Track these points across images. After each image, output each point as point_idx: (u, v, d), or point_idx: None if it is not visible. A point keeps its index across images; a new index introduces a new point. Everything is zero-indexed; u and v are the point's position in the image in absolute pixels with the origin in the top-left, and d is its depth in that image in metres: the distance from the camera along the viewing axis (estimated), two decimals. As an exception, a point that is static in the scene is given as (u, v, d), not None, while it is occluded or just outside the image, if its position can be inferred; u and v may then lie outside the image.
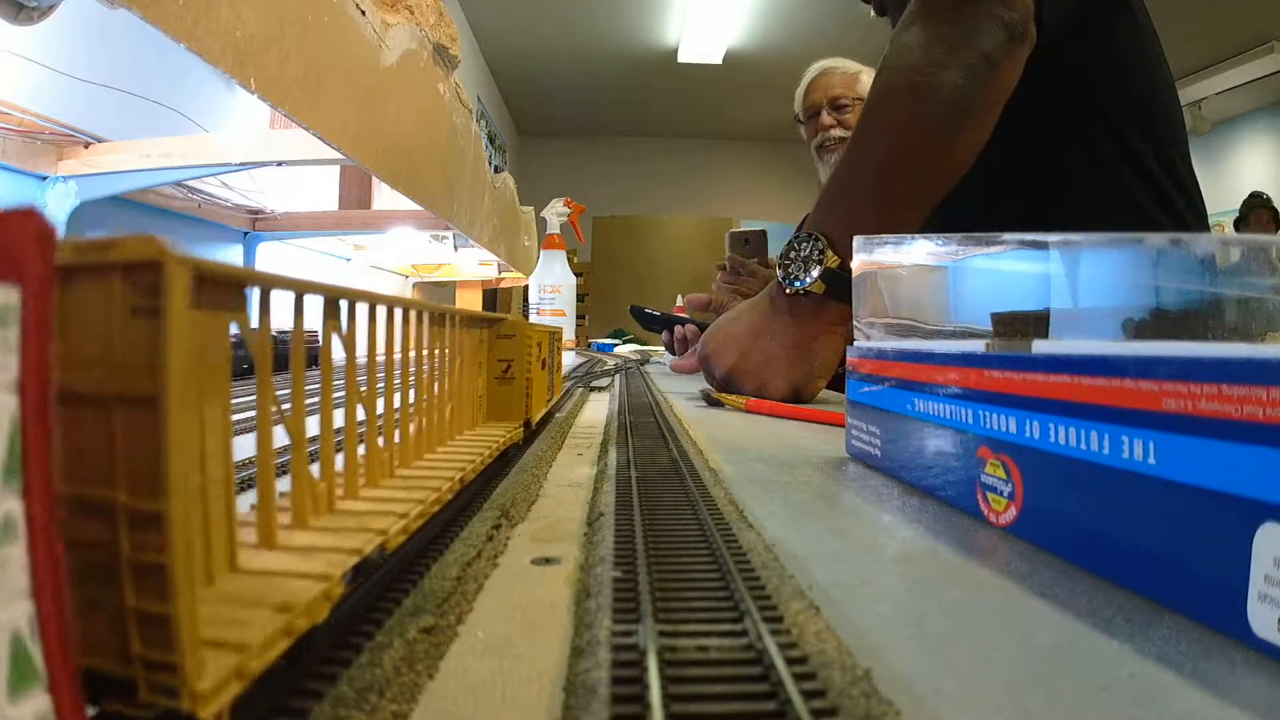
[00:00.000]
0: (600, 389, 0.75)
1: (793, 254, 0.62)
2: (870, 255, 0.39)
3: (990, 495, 0.27)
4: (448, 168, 1.24)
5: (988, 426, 0.27)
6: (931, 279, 0.38)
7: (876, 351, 0.35)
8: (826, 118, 1.57)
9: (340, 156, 0.87)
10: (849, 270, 0.62)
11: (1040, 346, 0.24)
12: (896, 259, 0.38)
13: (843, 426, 0.50)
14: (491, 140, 4.72)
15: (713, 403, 0.63)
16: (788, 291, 0.62)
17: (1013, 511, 0.26)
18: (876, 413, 0.36)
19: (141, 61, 1.25)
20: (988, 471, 0.27)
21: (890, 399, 0.34)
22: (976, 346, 0.28)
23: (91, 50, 1.17)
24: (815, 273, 0.61)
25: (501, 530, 0.23)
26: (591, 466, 0.34)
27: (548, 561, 0.21)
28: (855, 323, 0.39)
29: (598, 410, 0.57)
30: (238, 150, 0.98)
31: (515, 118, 5.36)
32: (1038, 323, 0.35)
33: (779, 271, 0.63)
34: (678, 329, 1.15)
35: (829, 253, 0.60)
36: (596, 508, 0.25)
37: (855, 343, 0.39)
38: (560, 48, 4.19)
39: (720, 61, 4.24)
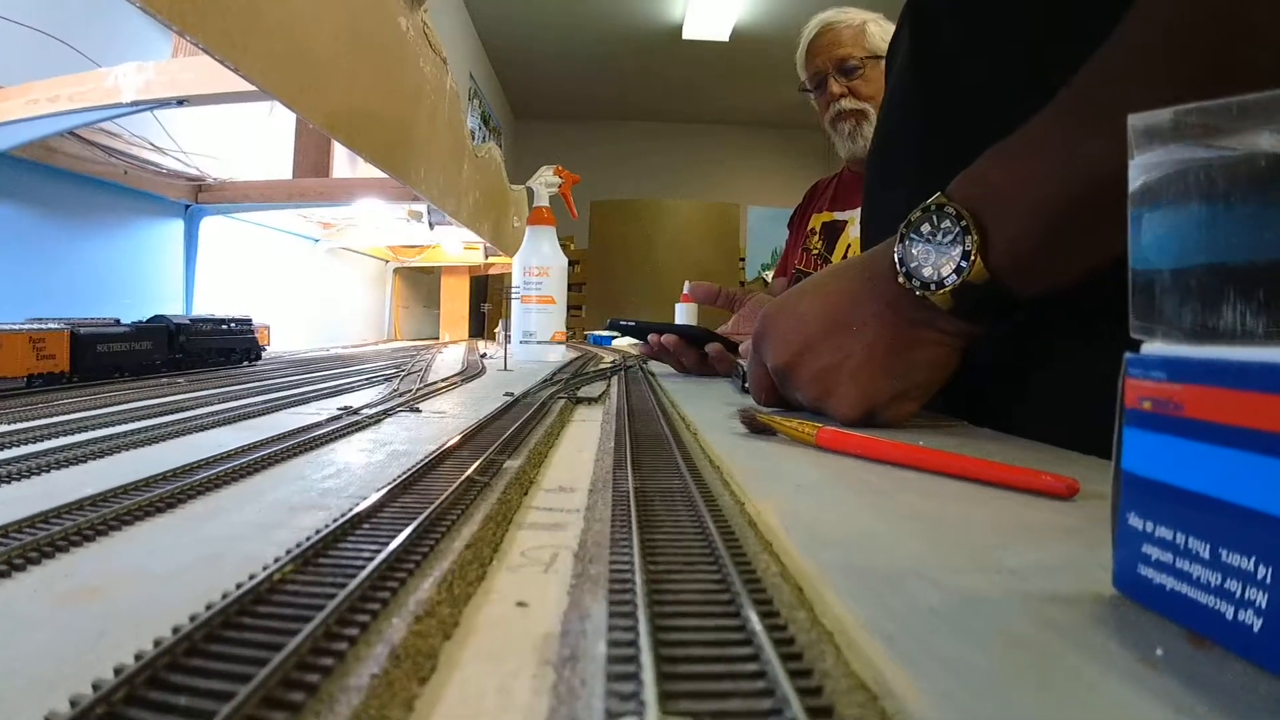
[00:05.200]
0: (590, 401, 0.54)
1: (927, 229, 0.40)
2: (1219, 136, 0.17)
3: None
4: (411, 122, 1.02)
5: None
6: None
7: (1266, 368, 0.14)
8: (835, 85, 1.34)
9: (252, 88, 0.66)
10: (1000, 289, 0.39)
11: None
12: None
13: (1003, 487, 0.29)
14: (485, 122, 4.48)
15: (758, 428, 0.41)
16: (899, 280, 0.41)
17: None
18: (1263, 524, 0.14)
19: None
20: None
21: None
22: None
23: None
24: (949, 278, 0.39)
25: None
26: (538, 678, 0.13)
27: None
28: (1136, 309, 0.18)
29: (582, 446, 0.36)
30: (129, 86, 0.76)
31: (511, 100, 5.12)
32: None
33: (897, 248, 0.41)
34: (652, 336, 0.92)
35: (977, 258, 0.38)
36: None
37: (1144, 349, 0.18)
38: (559, 24, 3.95)
39: (727, 39, 4.00)
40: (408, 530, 0.18)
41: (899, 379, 0.42)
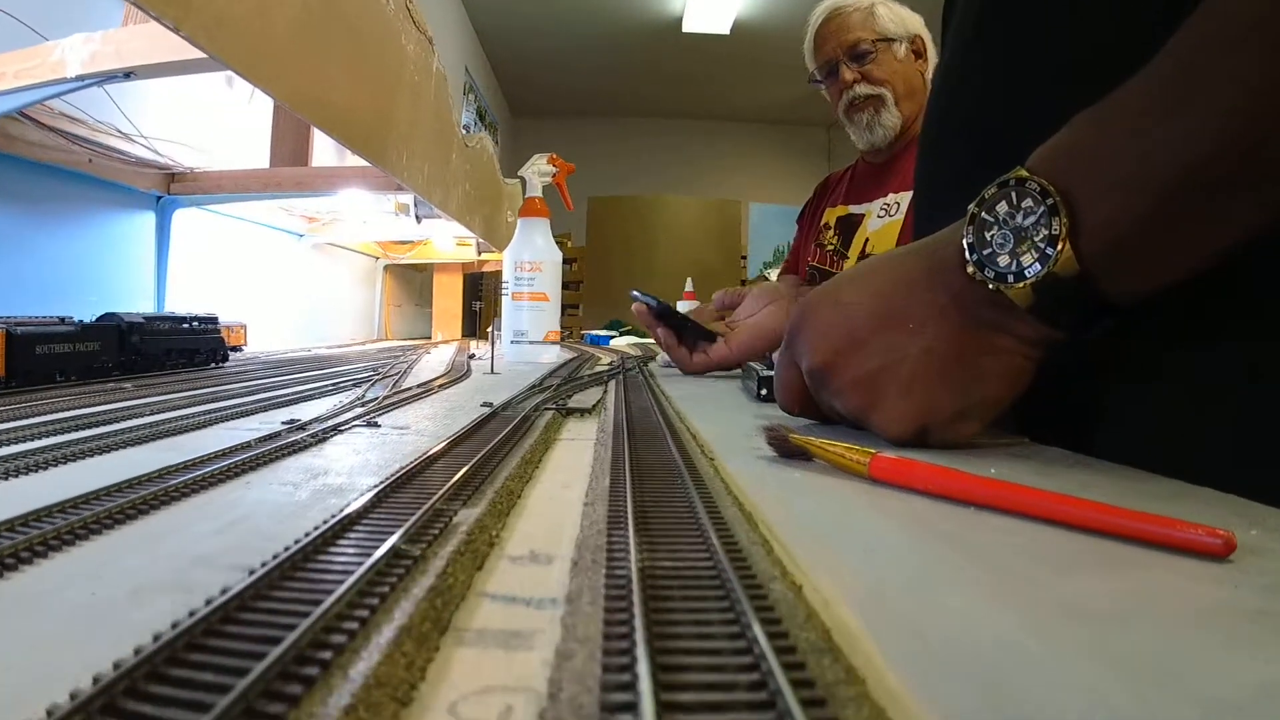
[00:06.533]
0: (583, 413, 0.46)
1: (1004, 208, 0.32)
2: None
3: None
4: (391, 104, 0.94)
5: None
6: None
7: None
8: (847, 72, 1.26)
9: (202, 56, 0.58)
10: (1091, 285, 0.31)
11: None
12: None
13: (1134, 541, 0.21)
14: (481, 118, 4.39)
15: (789, 452, 0.34)
16: (968, 270, 0.33)
17: None
18: None
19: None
20: None
21: None
22: None
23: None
24: (1031, 268, 0.31)
25: None
26: None
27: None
28: None
29: (569, 479, 0.28)
30: (75, 59, 0.68)
31: (508, 96, 5.04)
32: None
33: (966, 231, 0.34)
34: (639, 307, 0.85)
35: (1065, 244, 0.31)
36: None
37: None
38: (556, 17, 3.86)
39: (728, 32, 3.92)
40: (258, 670, 0.11)
41: (961, 393, 0.35)
